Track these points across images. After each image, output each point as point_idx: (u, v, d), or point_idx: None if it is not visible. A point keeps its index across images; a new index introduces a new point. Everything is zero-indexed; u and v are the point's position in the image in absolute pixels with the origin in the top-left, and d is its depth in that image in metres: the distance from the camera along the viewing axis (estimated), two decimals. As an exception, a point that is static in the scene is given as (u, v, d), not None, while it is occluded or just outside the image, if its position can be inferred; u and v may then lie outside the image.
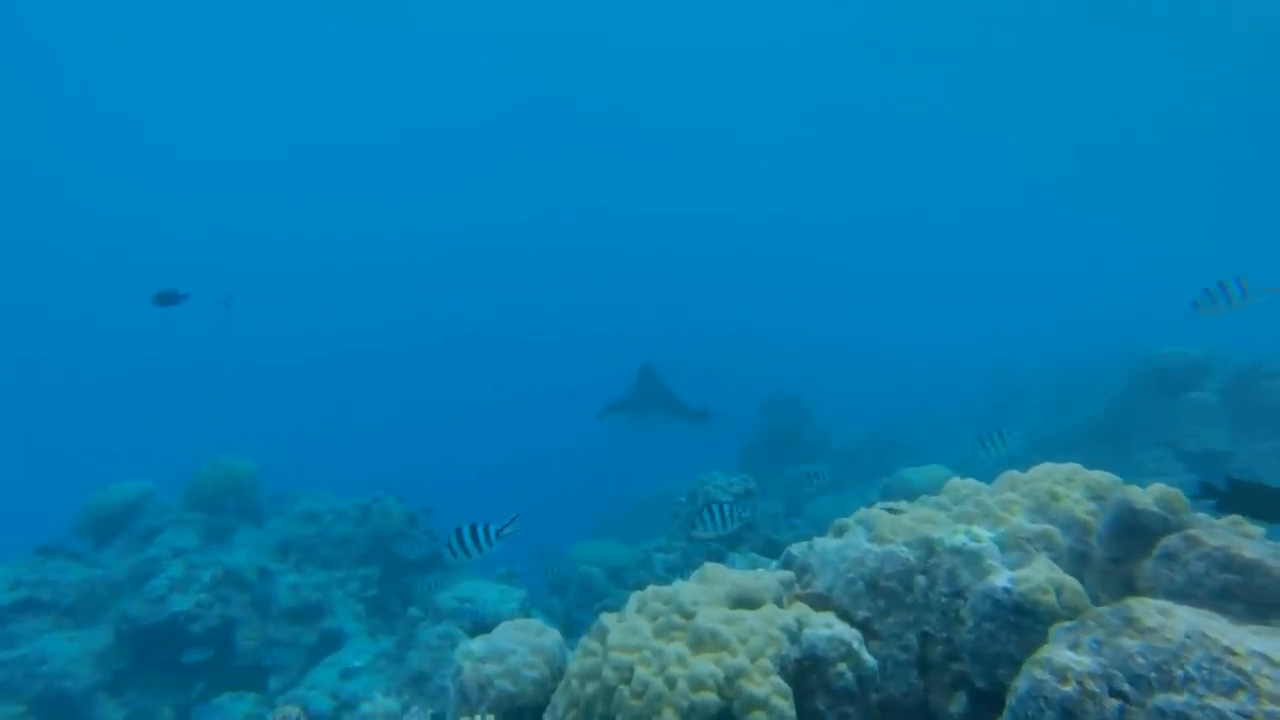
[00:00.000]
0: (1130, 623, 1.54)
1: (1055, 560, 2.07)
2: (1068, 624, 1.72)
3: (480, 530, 3.89)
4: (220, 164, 38.64)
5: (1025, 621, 1.96)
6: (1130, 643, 1.51)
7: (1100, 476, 2.22)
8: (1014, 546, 2.22)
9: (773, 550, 6.13)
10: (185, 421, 32.94)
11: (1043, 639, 1.85)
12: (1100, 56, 27.38)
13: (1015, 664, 1.93)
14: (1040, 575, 1.93)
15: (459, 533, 3.90)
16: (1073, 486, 2.24)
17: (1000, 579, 2.10)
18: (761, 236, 46.15)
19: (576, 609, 7.69)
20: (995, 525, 2.42)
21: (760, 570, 3.00)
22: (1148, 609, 1.53)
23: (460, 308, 44.82)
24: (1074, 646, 1.56)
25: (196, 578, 7.06)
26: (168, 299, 6.14)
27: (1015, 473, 2.64)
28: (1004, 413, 18.72)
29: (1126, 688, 1.47)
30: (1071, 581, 1.98)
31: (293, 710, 2.43)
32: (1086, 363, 18.23)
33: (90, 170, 37.10)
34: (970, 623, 2.17)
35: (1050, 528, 2.16)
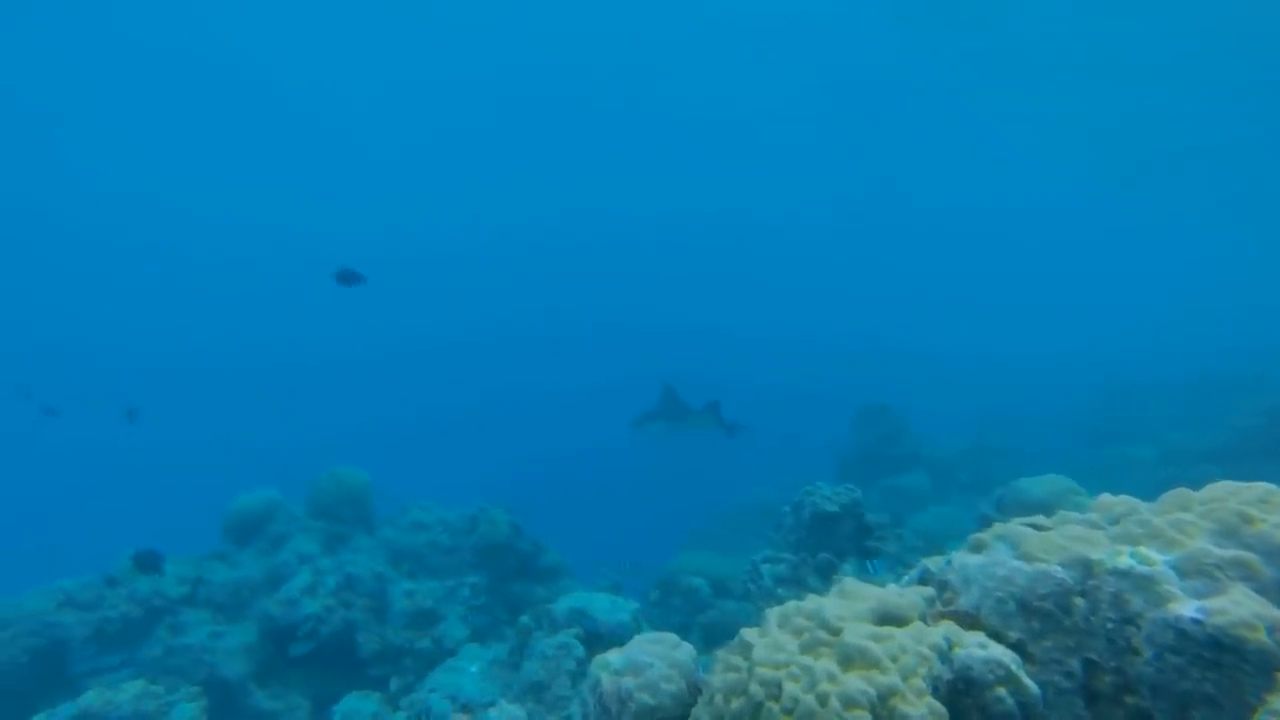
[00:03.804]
0: None
1: (1258, 593, 1.92)
2: (1312, 673, 1.57)
3: None
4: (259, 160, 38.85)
5: (1227, 659, 1.80)
6: None
7: (1308, 498, 2.04)
8: (1197, 573, 2.07)
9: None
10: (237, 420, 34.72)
11: (1257, 683, 1.70)
12: (1211, 53, 25.38)
13: (1216, 706, 1.81)
14: (1243, 608, 1.78)
15: None
16: (1270, 509, 2.06)
17: (1185, 608, 1.96)
18: (857, 246, 44.85)
19: (681, 621, 7.71)
20: (1168, 548, 2.26)
21: (898, 586, 2.93)
22: None
23: (528, 308, 45.25)
24: (1332, 703, 1.42)
25: (323, 582, 7.54)
26: (348, 278, 6.56)
27: (1186, 490, 2.45)
28: (1118, 423, 17.56)
29: None
30: (1288, 618, 1.80)
31: None
32: (1218, 370, 16.86)
33: (200, 174, 37.91)
34: (1149, 654, 2.03)
35: (1247, 554, 1.99)
